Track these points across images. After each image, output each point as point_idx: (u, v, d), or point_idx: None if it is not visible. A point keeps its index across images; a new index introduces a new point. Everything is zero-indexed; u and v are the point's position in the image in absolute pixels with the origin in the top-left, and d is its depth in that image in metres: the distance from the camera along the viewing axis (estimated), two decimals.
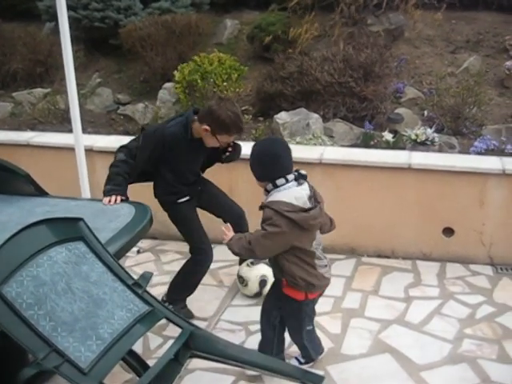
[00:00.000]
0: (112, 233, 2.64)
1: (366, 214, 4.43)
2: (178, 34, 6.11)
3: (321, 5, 6.32)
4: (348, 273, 4.28)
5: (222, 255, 4.42)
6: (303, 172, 2.77)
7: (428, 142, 4.58)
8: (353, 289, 4.06)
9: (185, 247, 4.67)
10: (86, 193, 4.35)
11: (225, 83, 5.25)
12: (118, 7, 6.51)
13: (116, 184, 3.28)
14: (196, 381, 3.04)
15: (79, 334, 1.95)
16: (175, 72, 5.53)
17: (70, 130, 5.30)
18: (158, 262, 4.55)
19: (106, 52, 6.91)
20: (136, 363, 2.42)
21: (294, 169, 2.78)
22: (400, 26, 6.44)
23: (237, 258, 4.30)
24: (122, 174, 3.34)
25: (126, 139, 4.91)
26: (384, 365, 3.19)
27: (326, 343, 3.37)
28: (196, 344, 2.19)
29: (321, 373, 2.89)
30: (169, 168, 3.46)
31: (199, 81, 5.26)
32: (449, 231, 4.33)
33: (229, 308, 3.85)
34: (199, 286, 4.08)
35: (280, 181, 2.69)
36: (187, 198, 3.58)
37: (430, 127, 4.82)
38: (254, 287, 3.88)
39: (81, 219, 2.34)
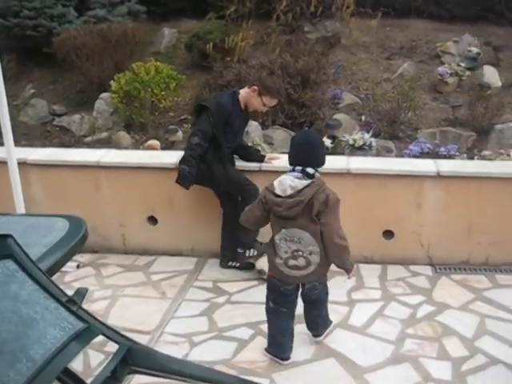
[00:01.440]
0: (45, 248, 2.54)
1: None
2: (114, 43, 6.01)
3: (258, 13, 6.37)
4: None
5: (163, 267, 4.40)
6: (310, 171, 2.94)
7: (366, 147, 4.66)
8: None
9: (126, 260, 4.63)
10: (21, 208, 4.21)
11: (163, 92, 5.19)
12: (52, 15, 6.35)
13: (190, 166, 3.91)
14: None
15: (7, 357, 1.84)
16: (112, 82, 5.42)
17: (1, 143, 5.14)
18: (99, 277, 4.41)
19: (39, 62, 6.71)
20: (73, 383, 2.32)
21: None
22: (336, 34, 6.56)
23: (177, 269, 4.29)
24: (195, 156, 3.92)
25: (62, 151, 4.84)
26: (329, 369, 3.20)
27: None
28: (134, 359, 2.11)
29: (265, 381, 2.87)
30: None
31: (141, 91, 5.18)
32: (389, 234, 4.40)
33: (172, 320, 3.77)
34: (141, 299, 4.03)
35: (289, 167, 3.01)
36: None
37: (368, 132, 4.91)
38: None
39: (9, 236, 2.23)
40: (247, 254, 4.26)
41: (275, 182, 2.99)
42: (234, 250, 4.30)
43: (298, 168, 2.95)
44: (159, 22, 7.37)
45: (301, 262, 3.02)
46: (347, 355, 3.31)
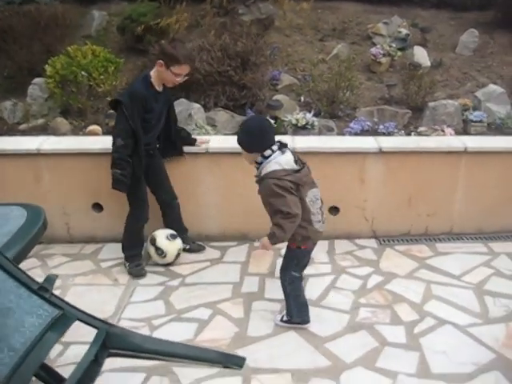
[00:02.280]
0: (5, 237, 2.47)
1: (254, 200, 4.48)
2: (43, 26, 5.77)
3: None
4: (243, 258, 4.35)
5: (113, 253, 4.34)
6: (284, 141, 3.16)
7: (308, 126, 4.76)
8: (249, 273, 4.13)
9: (72, 249, 4.53)
10: None
11: (101, 76, 5.06)
12: None
13: (122, 168, 3.74)
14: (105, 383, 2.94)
15: None
16: (46, 66, 5.22)
17: None
18: (45, 267, 4.30)
19: None
20: (46, 374, 2.28)
21: None
22: (270, 16, 6.60)
23: None
24: (124, 158, 3.73)
25: None
26: (290, 342, 3.30)
27: (232, 328, 3.45)
28: (113, 342, 2.11)
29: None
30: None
31: (78, 75, 5.01)
32: (334, 210, 4.54)
33: (128, 306, 3.75)
34: (93, 287, 3.97)
35: (267, 152, 3.04)
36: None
37: (309, 112, 5.01)
38: (171, 258, 4.21)
39: None
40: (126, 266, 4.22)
41: (286, 165, 3.03)
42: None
43: (275, 147, 3.08)
44: (87, 5, 7.11)
45: (323, 217, 3.33)
46: (306, 327, 3.42)
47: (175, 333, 3.37)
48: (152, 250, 4.19)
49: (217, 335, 3.38)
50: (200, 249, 4.46)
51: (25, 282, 2.13)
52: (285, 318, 3.46)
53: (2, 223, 2.64)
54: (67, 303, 2.18)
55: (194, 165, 4.38)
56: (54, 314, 2.08)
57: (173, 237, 4.19)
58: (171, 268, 4.22)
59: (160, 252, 4.16)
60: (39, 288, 2.15)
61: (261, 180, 3.09)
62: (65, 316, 2.10)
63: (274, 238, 3.09)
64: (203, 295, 3.84)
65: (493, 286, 3.93)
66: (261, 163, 3.08)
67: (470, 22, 7.47)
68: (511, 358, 3.15)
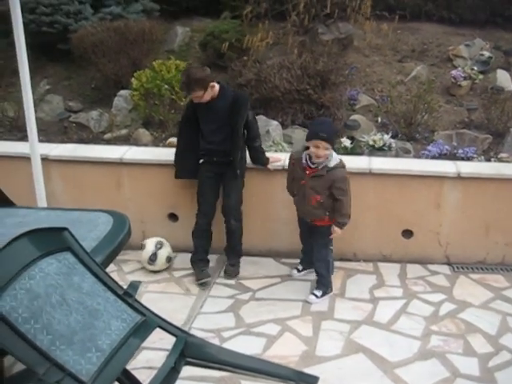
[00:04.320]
0: (94, 242, 2.60)
1: None
2: (131, 41, 6.04)
3: (272, 13, 6.42)
4: (313, 277, 4.35)
5: (186, 263, 4.45)
6: None
7: (385, 148, 4.74)
8: None
9: None
10: (43, 202, 4.23)
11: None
12: (68, 11, 6.37)
13: None
14: None
15: (78, 346, 1.90)
16: (132, 79, 5.46)
17: (20, 138, 5.14)
18: (121, 273, 4.47)
19: (53, 58, 6.72)
20: (125, 378, 2.37)
21: None
22: (349, 35, 6.63)
23: None
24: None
25: (82, 148, 4.88)
26: (359, 364, 3.28)
27: (300, 346, 3.46)
28: (190, 351, 2.17)
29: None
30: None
31: (161, 88, 5.22)
32: (408, 233, 4.48)
33: (199, 316, 3.83)
34: (165, 295, 4.08)
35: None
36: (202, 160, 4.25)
37: (386, 133, 4.98)
38: (159, 266, 4.44)
39: (66, 229, 2.28)
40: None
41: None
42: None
43: None
44: (171, 21, 7.40)
45: None
46: (375, 350, 3.40)
47: (244, 346, 3.40)
48: (143, 257, 4.42)
49: (285, 352, 3.40)
50: (232, 274, 4.41)
51: (111, 286, 2.24)
52: (320, 293, 3.98)
53: (91, 228, 2.77)
54: (149, 310, 2.27)
55: (269, 180, 4.44)
56: (137, 319, 2.17)
57: (160, 244, 4.43)
58: (242, 282, 4.28)
59: (153, 258, 4.38)
60: (124, 293, 2.25)
61: (330, 170, 3.66)
62: (147, 322, 2.19)
63: (344, 225, 3.80)
64: (273, 311, 3.87)
65: None
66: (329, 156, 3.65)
67: None
68: None
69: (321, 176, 3.67)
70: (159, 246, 4.43)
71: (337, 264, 4.49)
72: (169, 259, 4.47)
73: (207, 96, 3.94)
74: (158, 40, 6.45)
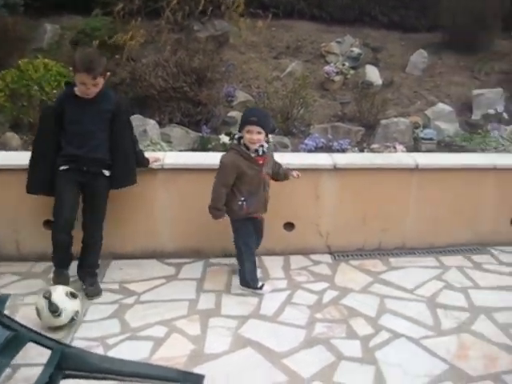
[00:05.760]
0: None
1: (209, 216, 4.49)
2: None
3: (146, 11, 6.29)
4: (198, 275, 4.31)
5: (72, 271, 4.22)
6: None
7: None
8: (205, 290, 4.10)
9: (22, 267, 4.38)
10: None
11: (54, 91, 4.97)
12: None
13: None
14: None
15: None
16: None
17: None
18: None
19: None
20: None
21: None
22: (225, 33, 6.66)
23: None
24: None
25: None
26: (247, 358, 3.27)
27: (188, 346, 3.39)
28: (69, 363, 2.05)
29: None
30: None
31: (34, 88, 4.91)
32: (289, 226, 4.57)
33: (82, 324, 3.64)
34: None
35: None
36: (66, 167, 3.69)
37: None
38: (64, 320, 3.51)
39: None
40: None
41: None
42: None
43: None
44: (37, 17, 7.01)
45: None
46: (263, 343, 3.40)
47: (131, 352, 3.29)
48: (43, 305, 3.48)
49: (173, 353, 3.32)
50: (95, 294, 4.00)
51: None
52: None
53: None
54: (20, 324, 2.11)
55: (150, 181, 4.33)
56: (5, 335, 2.01)
57: (73, 295, 3.62)
58: (126, 285, 4.13)
59: (54, 308, 3.44)
60: None
61: (268, 153, 3.79)
62: (17, 337, 2.03)
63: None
64: (159, 313, 3.77)
65: (444, 298, 4.02)
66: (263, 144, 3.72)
67: (419, 43, 7.74)
68: (463, 369, 3.22)
69: (270, 159, 3.82)
70: (72, 320, 3.55)
71: (222, 260, 4.51)
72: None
73: (99, 87, 3.55)
74: (23, 38, 6.07)
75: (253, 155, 3.70)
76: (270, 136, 4.64)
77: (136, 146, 4.04)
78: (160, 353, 3.33)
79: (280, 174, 3.98)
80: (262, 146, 3.71)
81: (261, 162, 3.73)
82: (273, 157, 3.94)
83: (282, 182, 4.02)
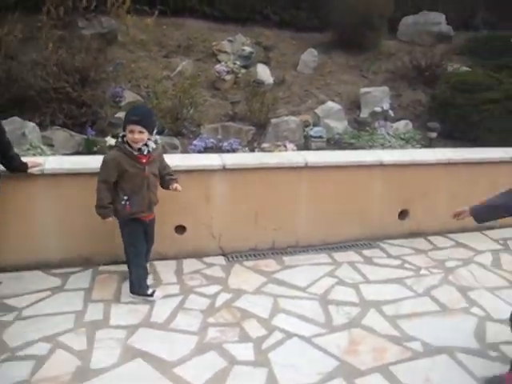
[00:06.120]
0: None
1: (98, 222, 4.28)
2: None
3: (25, 5, 5.91)
4: (86, 284, 4.10)
5: None
6: None
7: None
8: (94, 300, 3.90)
9: None
10: None
11: None
12: None
13: None
14: None
15: None
16: None
17: None
18: None
19: None
20: None
21: None
22: (113, 30, 6.41)
23: None
24: None
25: None
26: (137, 370, 3.14)
27: (73, 362, 3.20)
28: None
29: None
30: None
31: None
32: (181, 228, 4.46)
33: None
34: None
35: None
36: None
37: None
38: None
39: None
40: None
41: None
42: None
43: None
44: None
45: None
46: (153, 353, 3.29)
47: (8, 374, 3.06)
48: None
49: (56, 372, 3.11)
50: None
51: None
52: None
53: None
54: None
55: (29, 188, 4.05)
56: None
57: None
58: (5, 301, 3.84)
59: None
60: None
61: (154, 152, 3.70)
62: None
63: None
64: (42, 328, 3.53)
65: (336, 294, 4.09)
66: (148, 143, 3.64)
67: (310, 42, 7.87)
68: (353, 364, 3.27)
69: (154, 158, 3.71)
70: None
71: (111, 268, 4.32)
72: None
73: None
74: None
75: (136, 153, 3.61)
76: (158, 137, 4.54)
77: (10, 150, 3.76)
78: (42, 373, 3.12)
79: (165, 180, 3.88)
80: (147, 145, 3.63)
81: (144, 160, 3.64)
82: (162, 159, 3.85)
83: (166, 189, 3.91)
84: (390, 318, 3.80)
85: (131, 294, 3.90)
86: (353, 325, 3.69)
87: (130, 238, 3.81)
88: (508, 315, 3.89)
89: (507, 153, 5.31)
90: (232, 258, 4.58)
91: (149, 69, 6.26)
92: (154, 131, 3.75)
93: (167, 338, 3.45)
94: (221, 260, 4.54)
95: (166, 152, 4.76)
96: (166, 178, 3.87)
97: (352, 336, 3.57)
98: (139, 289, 3.88)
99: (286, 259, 4.61)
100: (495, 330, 3.68)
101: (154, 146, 3.74)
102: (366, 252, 4.85)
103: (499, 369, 3.24)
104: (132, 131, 3.54)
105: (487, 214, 3.10)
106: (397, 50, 8.27)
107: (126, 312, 3.74)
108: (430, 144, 5.79)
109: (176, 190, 3.85)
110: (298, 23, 8.48)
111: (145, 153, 3.63)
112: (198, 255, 4.54)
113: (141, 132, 3.55)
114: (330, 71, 7.27)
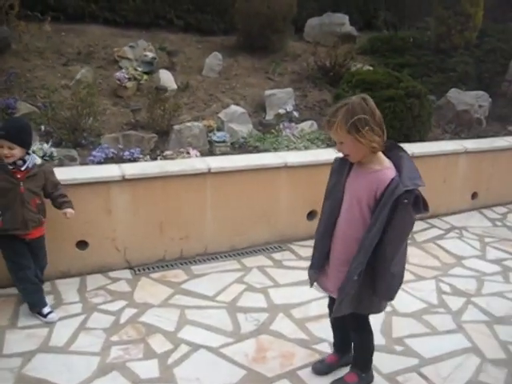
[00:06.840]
0: None
1: None
2: None
3: None
4: None
5: None
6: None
7: (47, 158, 4.43)
8: None
9: None
10: None
11: None
12: None
13: None
14: None
15: None
16: None
17: None
18: None
19: None
20: None
21: None
22: (5, 38, 6.08)
23: None
24: None
25: None
26: None
27: None
28: None
29: None
30: None
31: None
32: (83, 244, 4.28)
33: None
34: None
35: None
36: None
37: (48, 142, 4.68)
38: None
39: None
40: None
41: None
42: None
43: None
44: None
45: None
46: (51, 379, 3.11)
47: None
48: None
49: None
50: None
51: None
52: None
53: None
54: None
55: None
56: None
57: None
58: None
59: None
60: None
61: (36, 169, 3.54)
62: None
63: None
64: None
65: (245, 301, 4.05)
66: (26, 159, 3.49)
67: (216, 46, 7.84)
68: (261, 372, 3.25)
69: (35, 175, 3.54)
70: None
71: (8, 290, 4.06)
72: None
73: None
74: None
75: (11, 167, 3.44)
76: (54, 149, 4.34)
77: None
78: None
79: (57, 201, 3.72)
80: (24, 160, 3.47)
81: (19, 176, 3.46)
82: (49, 176, 3.67)
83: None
84: (298, 321, 3.80)
85: (32, 313, 3.73)
86: (261, 331, 3.67)
87: (11, 256, 3.65)
88: (414, 309, 4.04)
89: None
90: (139, 270, 4.44)
91: (46, 78, 5.99)
92: (32, 146, 3.60)
93: (67, 362, 3.28)
94: (127, 274, 4.39)
95: (63, 165, 4.56)
96: (59, 200, 3.70)
97: (260, 343, 3.54)
98: (33, 307, 3.73)
99: (195, 268, 4.53)
100: (402, 325, 3.77)
101: (39, 161, 3.59)
102: (276, 255, 4.85)
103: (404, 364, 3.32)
104: (1, 146, 3.37)
105: None
106: (303, 51, 8.39)
107: (23, 338, 3.52)
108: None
109: (65, 215, 3.68)
110: (204, 27, 8.43)
111: (22, 168, 3.46)
112: (103, 270, 4.37)
113: (10, 148, 3.38)
114: (236, 74, 7.25)
